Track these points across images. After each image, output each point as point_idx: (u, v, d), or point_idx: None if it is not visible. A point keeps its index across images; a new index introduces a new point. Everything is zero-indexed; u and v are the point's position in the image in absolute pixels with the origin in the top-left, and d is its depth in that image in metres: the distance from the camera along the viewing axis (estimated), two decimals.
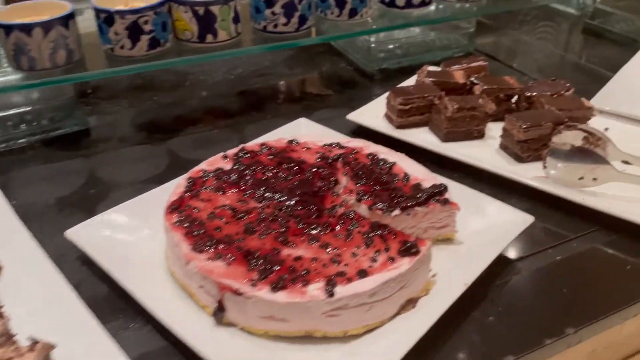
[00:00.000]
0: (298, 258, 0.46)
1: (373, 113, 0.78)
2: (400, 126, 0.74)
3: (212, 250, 0.46)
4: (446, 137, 0.71)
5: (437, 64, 0.86)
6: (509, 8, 1.03)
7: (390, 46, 0.99)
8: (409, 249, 0.47)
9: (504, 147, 0.70)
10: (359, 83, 0.93)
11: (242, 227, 0.49)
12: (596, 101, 0.76)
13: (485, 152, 0.70)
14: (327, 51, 1.02)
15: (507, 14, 1.14)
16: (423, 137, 0.73)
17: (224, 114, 0.83)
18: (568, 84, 0.74)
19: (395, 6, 0.86)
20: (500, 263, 0.54)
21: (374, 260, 0.46)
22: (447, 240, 0.55)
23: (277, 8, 0.75)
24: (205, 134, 0.77)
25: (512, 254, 0.56)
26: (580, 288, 0.53)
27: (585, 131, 0.64)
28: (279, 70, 0.96)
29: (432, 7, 0.90)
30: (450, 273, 0.50)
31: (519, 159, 0.67)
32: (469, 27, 1.01)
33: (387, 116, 0.76)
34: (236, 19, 0.74)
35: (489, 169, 0.65)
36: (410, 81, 0.83)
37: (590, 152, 0.61)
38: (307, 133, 0.69)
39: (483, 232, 0.54)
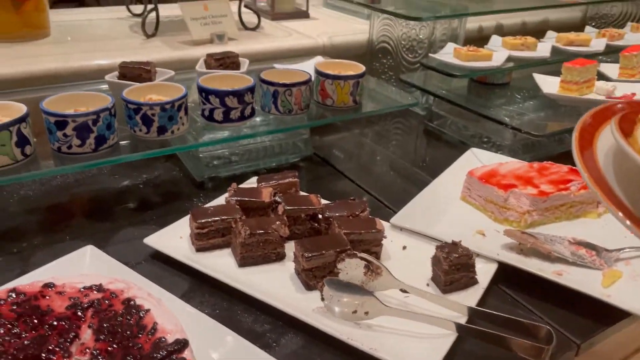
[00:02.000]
0: None
1: (181, 231, 0.75)
2: (200, 249, 0.72)
3: None
4: (242, 262, 0.69)
5: (271, 170, 0.86)
6: (343, 118, 1.06)
7: (225, 152, 0.99)
8: None
9: (297, 272, 0.68)
10: (185, 193, 0.91)
11: None
12: (398, 219, 0.77)
13: (278, 277, 0.68)
14: (165, 156, 1.00)
15: None
16: (221, 261, 0.71)
17: (9, 237, 0.77)
18: (365, 204, 0.75)
19: (215, 121, 0.86)
20: None
21: None
22: None
23: (69, 130, 0.72)
24: None
25: None
26: None
27: (364, 259, 0.63)
28: (99, 180, 0.92)
29: (258, 119, 0.91)
30: None
31: (308, 286, 0.66)
32: (304, 134, 1.03)
33: (190, 237, 0.74)
34: (23, 142, 0.70)
35: (264, 300, 0.63)
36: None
37: (356, 286, 0.61)
38: (88, 266, 0.65)
39: None
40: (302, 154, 1.03)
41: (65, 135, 0.72)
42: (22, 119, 0.70)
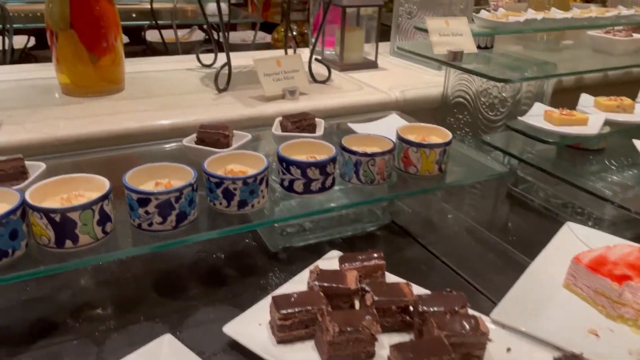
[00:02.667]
0: None
1: (260, 316, 0.70)
2: (281, 341, 0.66)
3: None
4: None
5: (347, 239, 0.80)
6: (429, 189, 0.97)
7: (299, 220, 0.94)
8: None
9: None
10: (260, 266, 0.86)
11: None
12: (499, 314, 0.69)
13: None
14: None
15: None
16: (306, 357, 0.65)
17: (83, 314, 0.74)
18: (464, 300, 0.67)
19: (294, 192, 0.82)
20: None
21: None
22: None
23: (151, 207, 0.69)
24: (59, 347, 0.68)
25: None
26: None
27: None
28: (173, 250, 0.88)
29: (337, 188, 0.86)
30: None
31: None
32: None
33: (271, 325, 0.68)
34: (104, 219, 0.67)
35: None
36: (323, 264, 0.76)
37: None
38: (165, 358, 0.61)
39: None
40: (379, 222, 0.97)
41: (147, 212, 0.69)
42: (105, 197, 0.67)
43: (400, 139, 0.90)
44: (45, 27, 1.10)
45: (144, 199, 0.68)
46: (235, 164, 0.81)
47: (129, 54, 1.18)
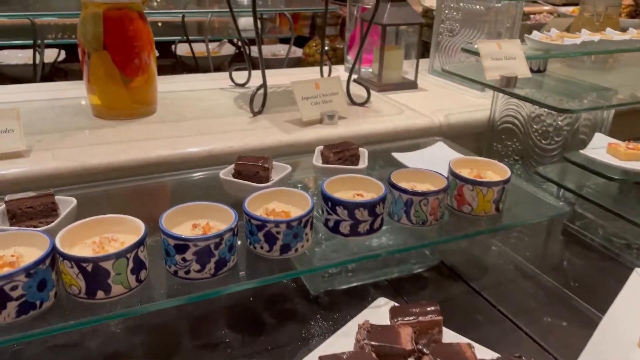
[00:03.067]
0: None
1: None
2: None
3: None
4: None
5: (393, 282, 0.73)
6: (485, 231, 0.88)
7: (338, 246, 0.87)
8: None
9: None
10: (300, 312, 0.80)
11: None
12: None
13: None
14: None
15: None
16: None
17: None
18: None
19: (340, 233, 0.75)
20: None
21: None
22: None
23: (189, 254, 0.63)
24: None
25: None
26: None
27: None
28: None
29: (385, 228, 0.79)
30: None
31: None
32: None
33: None
34: (139, 267, 0.62)
35: None
36: (363, 317, 0.69)
37: None
38: None
39: None
40: (427, 263, 0.90)
41: (184, 259, 0.63)
42: (140, 242, 0.62)
43: (454, 175, 0.83)
44: (77, 43, 1.07)
45: (181, 245, 0.63)
46: (277, 201, 0.76)
47: (158, 69, 1.13)
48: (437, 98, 1.36)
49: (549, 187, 1.06)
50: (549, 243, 1.01)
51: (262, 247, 0.69)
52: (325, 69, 1.43)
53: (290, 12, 1.87)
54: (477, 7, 1.39)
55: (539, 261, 0.94)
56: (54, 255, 0.59)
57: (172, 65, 2.09)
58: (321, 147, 0.94)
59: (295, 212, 0.73)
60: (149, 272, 0.65)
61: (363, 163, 0.91)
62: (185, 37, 1.80)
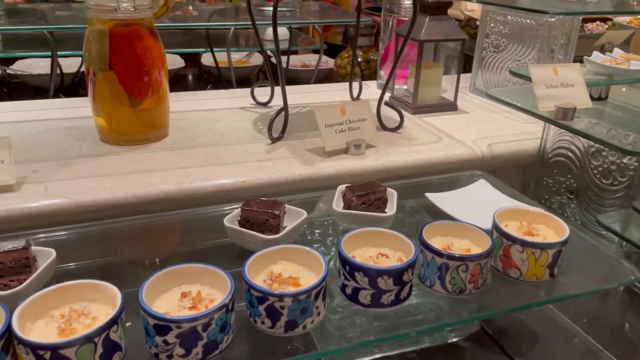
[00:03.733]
0: None
1: None
2: None
3: None
4: None
5: (423, 353, 0.60)
6: (537, 304, 0.71)
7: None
8: None
9: None
10: None
11: None
12: None
13: None
14: None
15: None
16: None
17: None
18: None
19: (359, 303, 0.63)
20: None
21: None
22: None
23: (171, 337, 0.52)
24: None
25: None
26: None
27: None
28: None
29: (414, 294, 0.67)
30: None
31: None
32: None
33: None
34: (110, 351, 0.51)
35: None
36: None
37: None
38: None
39: None
40: (465, 331, 0.76)
41: (165, 342, 0.52)
42: (113, 321, 0.51)
43: (500, 232, 0.69)
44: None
45: (162, 327, 0.52)
46: (285, 261, 0.64)
47: (181, 78, 1.04)
48: (479, 122, 1.21)
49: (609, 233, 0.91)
50: (609, 305, 0.86)
51: (263, 322, 0.58)
52: (356, 84, 1.31)
53: (320, 24, 1.76)
54: (527, 20, 1.24)
55: (596, 329, 0.79)
56: (9, 336, 0.49)
57: (197, 75, 2.01)
58: (343, 187, 0.82)
59: (306, 276, 0.62)
60: (126, 351, 0.54)
61: (391, 208, 0.79)
62: (208, 49, 1.70)
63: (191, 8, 1.70)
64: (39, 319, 0.53)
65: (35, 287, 0.61)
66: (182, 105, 1.24)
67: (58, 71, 1.61)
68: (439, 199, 0.85)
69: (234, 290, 0.56)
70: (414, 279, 0.65)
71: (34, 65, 1.83)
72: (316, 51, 1.95)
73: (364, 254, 0.66)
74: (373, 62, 1.93)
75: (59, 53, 1.47)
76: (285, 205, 0.76)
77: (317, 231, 0.82)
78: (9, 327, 0.49)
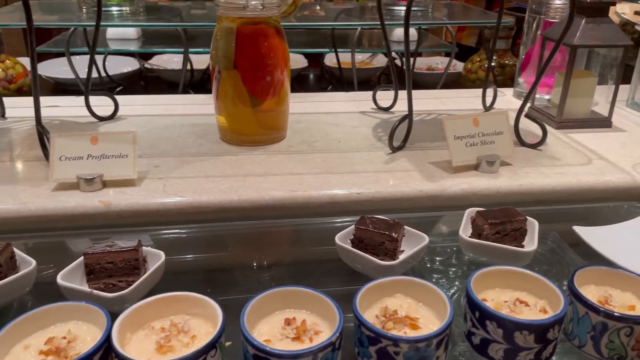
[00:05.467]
0: None
1: None
2: None
3: None
4: None
5: None
6: None
7: None
8: None
9: None
10: None
11: None
12: None
13: None
14: None
15: None
16: None
17: None
18: None
19: (488, 357, 0.53)
20: None
21: None
22: None
23: None
24: None
25: None
26: None
27: None
28: None
29: (558, 350, 0.55)
30: None
31: None
32: None
33: None
34: None
35: None
36: None
37: None
38: None
39: None
40: None
41: None
42: (211, 345, 0.47)
43: None
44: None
45: (262, 359, 0.46)
46: (402, 296, 0.56)
47: (303, 78, 1.00)
48: (639, 143, 1.03)
49: None
50: None
51: None
52: (489, 91, 1.18)
53: (454, 25, 1.63)
54: None
55: None
56: (108, 346, 0.47)
57: (319, 75, 1.99)
58: (473, 211, 0.72)
59: (426, 317, 0.53)
60: None
61: (531, 243, 0.67)
62: (332, 49, 1.66)
63: (318, 8, 1.67)
64: (140, 328, 0.51)
65: (142, 290, 0.59)
66: (302, 106, 1.20)
67: (189, 67, 1.68)
68: (591, 236, 0.71)
69: (342, 324, 0.49)
70: (560, 334, 0.54)
71: (169, 60, 1.93)
72: (446, 54, 1.82)
73: (498, 298, 0.56)
74: (508, 68, 1.76)
75: (190, 50, 1.52)
76: (405, 228, 0.68)
77: (437, 259, 0.73)
78: (107, 337, 0.47)
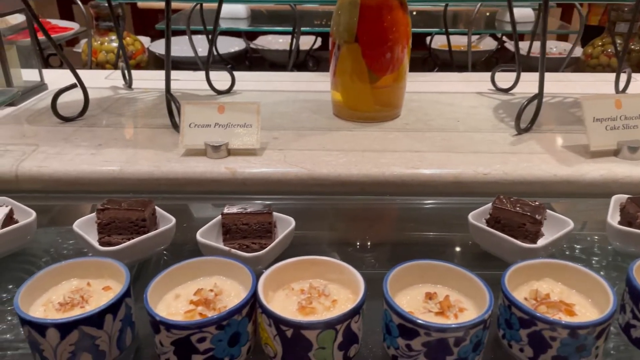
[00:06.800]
0: None
1: None
2: None
3: None
4: None
5: None
6: None
7: None
8: None
9: None
10: None
11: None
12: None
13: None
14: None
15: None
16: None
17: None
18: None
19: None
20: None
21: None
22: None
23: (417, 344, 0.45)
24: None
25: None
26: None
27: None
28: None
29: None
30: None
31: None
32: None
33: None
34: (350, 341, 0.46)
35: None
36: None
37: None
38: None
39: None
40: None
41: (409, 347, 0.45)
42: (356, 311, 0.46)
43: None
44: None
45: (408, 329, 0.45)
46: (551, 280, 0.52)
47: (410, 61, 0.97)
48: None
49: None
50: None
51: (522, 350, 0.47)
52: (623, 76, 1.08)
53: (583, 2, 1.50)
54: None
55: None
56: (253, 302, 0.48)
57: (425, 58, 1.93)
58: (622, 197, 0.65)
59: (582, 304, 0.49)
60: (361, 346, 0.49)
61: None
62: (444, 29, 1.60)
63: None
64: (280, 289, 0.51)
65: (275, 254, 0.60)
66: (413, 86, 1.16)
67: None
68: None
69: (493, 304, 0.46)
70: None
71: (273, 41, 1.97)
72: (562, 37, 1.70)
73: None
74: (635, 53, 1.60)
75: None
76: (546, 211, 0.63)
77: (577, 246, 0.67)
78: (254, 293, 0.47)
